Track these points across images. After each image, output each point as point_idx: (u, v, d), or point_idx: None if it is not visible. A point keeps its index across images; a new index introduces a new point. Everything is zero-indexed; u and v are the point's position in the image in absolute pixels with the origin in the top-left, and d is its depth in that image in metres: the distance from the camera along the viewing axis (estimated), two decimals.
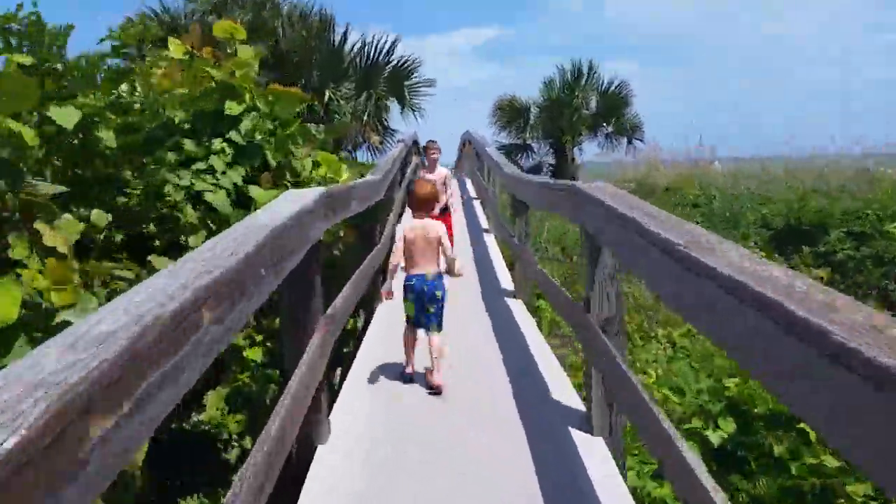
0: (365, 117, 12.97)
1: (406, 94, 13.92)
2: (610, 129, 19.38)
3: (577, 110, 18.72)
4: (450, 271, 3.78)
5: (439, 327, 3.53)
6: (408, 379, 3.54)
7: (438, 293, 3.52)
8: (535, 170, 19.07)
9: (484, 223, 10.30)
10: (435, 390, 3.39)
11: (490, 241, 8.80)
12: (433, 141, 7.69)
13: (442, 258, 3.62)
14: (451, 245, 4.07)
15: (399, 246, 3.58)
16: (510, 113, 19.45)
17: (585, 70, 18.85)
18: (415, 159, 13.63)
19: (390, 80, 13.87)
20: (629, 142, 19.79)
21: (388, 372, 3.69)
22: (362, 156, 14.88)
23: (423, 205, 3.68)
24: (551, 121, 18.95)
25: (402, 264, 3.60)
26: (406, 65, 14.04)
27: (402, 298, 3.58)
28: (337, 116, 12.26)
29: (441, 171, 7.28)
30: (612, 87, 18.96)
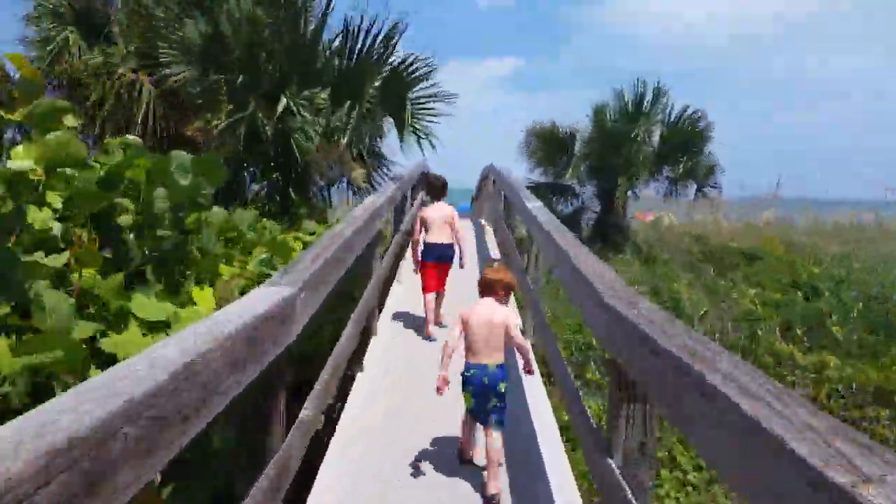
0: (344, 139, 8.66)
1: (408, 110, 9.17)
2: (677, 170, 14.87)
3: (636, 145, 14.25)
4: (525, 363, 3.33)
5: (501, 424, 3.22)
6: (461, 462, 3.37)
7: (502, 386, 3.21)
8: (574, 220, 14.63)
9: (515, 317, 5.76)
10: (491, 500, 3.07)
11: (535, 386, 4.61)
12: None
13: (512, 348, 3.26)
14: None
15: (456, 330, 3.29)
16: (548, 144, 15.00)
17: (650, 94, 14.43)
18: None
19: (386, 88, 9.26)
20: (699, 189, 15.27)
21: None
22: (340, 197, 10.52)
23: (492, 288, 3.37)
24: (601, 157, 14.51)
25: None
26: (411, 67, 9.28)
27: (462, 389, 3.27)
28: (298, 137, 7.98)
29: (445, 207, 5.96)
30: (685, 118, 14.49)
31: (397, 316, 6.33)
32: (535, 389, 4.48)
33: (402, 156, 10.69)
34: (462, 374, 3.27)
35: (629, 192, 14.49)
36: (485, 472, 3.19)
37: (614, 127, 14.35)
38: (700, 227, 18.21)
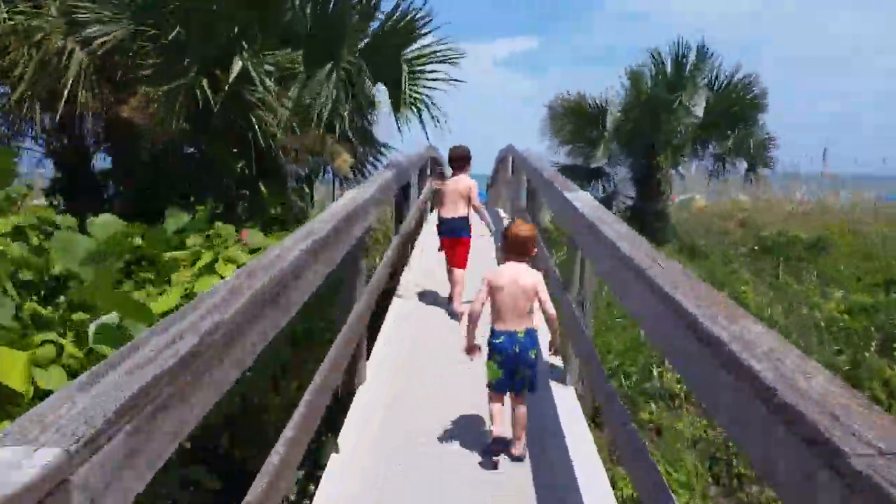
0: (326, 115, 6.62)
1: (404, 75, 6.81)
2: (725, 145, 12.70)
3: (679, 115, 12.10)
4: (552, 338, 3.28)
5: (532, 389, 3.15)
6: (494, 445, 3.07)
7: (532, 353, 3.09)
8: (605, 207, 12.55)
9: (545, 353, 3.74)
10: (517, 458, 3.09)
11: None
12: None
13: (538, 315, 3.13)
14: None
15: (482, 293, 3.11)
16: (575, 120, 12.85)
17: (693, 56, 12.21)
18: (429, 186, 9.68)
19: (376, 48, 6.97)
20: (751, 168, 13.10)
21: None
22: (324, 192, 8.53)
23: (520, 248, 3.18)
24: (637, 132, 12.37)
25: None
26: (404, 20, 6.89)
27: (486, 360, 3.14)
28: (261, 113, 5.98)
29: (462, 180, 5.50)
30: (735, 83, 12.29)
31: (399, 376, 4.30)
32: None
33: (399, 140, 8.64)
34: (489, 342, 3.12)
35: (672, 172, 12.33)
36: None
37: (653, 95, 12.18)
38: (739, 210, 16.06)
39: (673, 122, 12.10)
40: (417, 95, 6.87)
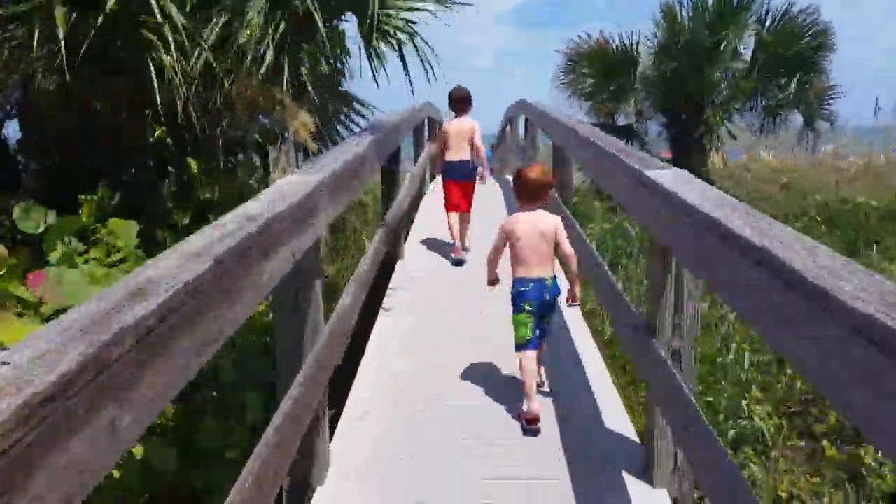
0: (271, 53, 4.58)
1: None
2: (778, 95, 10.58)
3: (723, 60, 9.99)
4: (570, 288, 3.16)
5: (547, 336, 3.19)
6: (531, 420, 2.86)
7: (557, 300, 3.07)
8: None
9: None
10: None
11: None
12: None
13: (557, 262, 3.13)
14: None
15: (500, 241, 3.06)
16: (599, 68, 10.71)
17: None
18: (427, 149, 8.33)
19: None
20: (808, 122, 11.00)
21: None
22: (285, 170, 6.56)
23: (536, 193, 3.02)
24: (674, 82, 10.26)
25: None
26: None
27: (514, 313, 2.99)
28: (160, 55, 3.96)
29: (465, 122, 5.45)
30: (790, 19, 10.12)
31: None
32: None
33: (382, 96, 6.55)
34: (515, 292, 2.99)
35: (720, 127, 10.23)
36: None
37: (692, 36, 10.04)
38: (781, 171, 14.00)
39: (717, 68, 9.99)
40: (397, 23, 4.75)
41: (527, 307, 2.95)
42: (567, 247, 3.03)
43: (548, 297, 2.97)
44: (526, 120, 8.94)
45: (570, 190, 6.26)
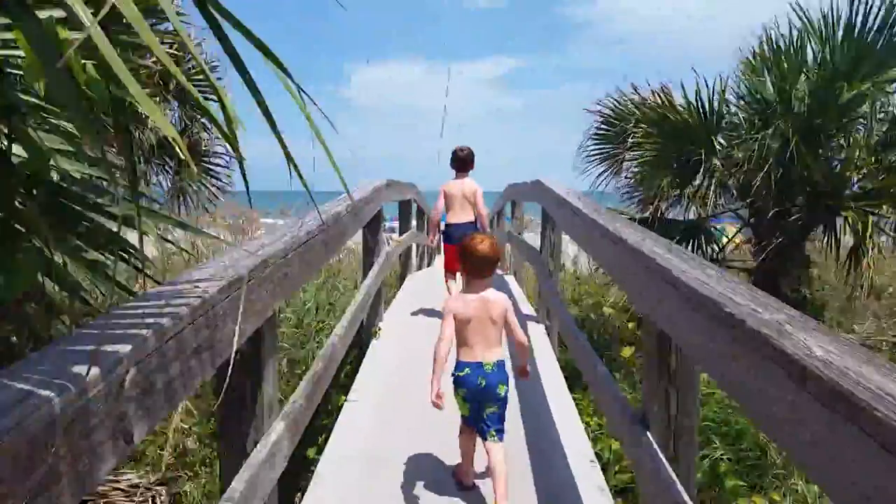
0: None
1: None
2: None
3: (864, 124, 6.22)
4: (521, 366, 2.90)
5: (500, 435, 2.73)
6: (464, 489, 2.83)
7: (502, 389, 2.74)
8: None
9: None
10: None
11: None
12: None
13: (506, 342, 2.87)
14: None
15: (448, 328, 2.75)
16: (662, 131, 6.92)
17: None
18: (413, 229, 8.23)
19: None
20: None
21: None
22: None
23: (485, 269, 2.80)
24: (780, 158, 6.42)
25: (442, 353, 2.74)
26: None
27: (454, 393, 2.79)
28: None
29: (468, 183, 5.57)
30: None
31: None
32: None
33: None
34: (453, 375, 2.80)
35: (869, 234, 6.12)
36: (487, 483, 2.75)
37: (825, 72, 6.21)
38: None
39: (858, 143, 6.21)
40: None
41: (460, 392, 2.76)
42: (519, 333, 2.82)
43: (484, 384, 2.71)
44: (544, 212, 5.62)
45: None
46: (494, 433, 2.70)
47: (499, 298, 2.81)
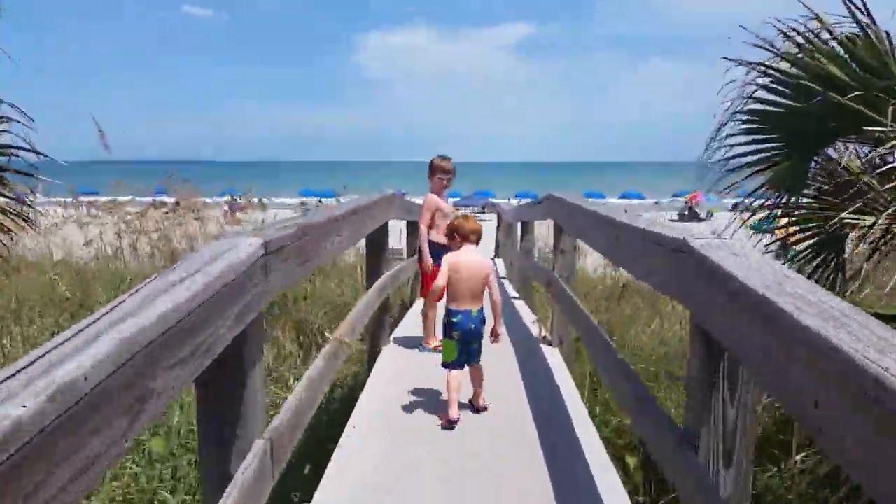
0: None
1: None
2: None
3: None
4: (494, 324, 3.63)
5: (478, 356, 3.61)
6: (449, 427, 3.37)
7: (483, 328, 3.60)
8: None
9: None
10: (482, 409, 3.57)
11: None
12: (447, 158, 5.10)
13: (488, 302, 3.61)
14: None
15: (445, 274, 3.53)
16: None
17: None
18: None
19: None
20: None
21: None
22: None
23: (477, 237, 3.68)
24: None
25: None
26: None
27: (443, 337, 3.63)
28: None
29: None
30: None
31: None
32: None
33: None
34: (446, 321, 3.54)
35: None
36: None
37: None
38: None
39: None
40: None
41: (454, 335, 3.51)
42: (495, 292, 3.56)
43: (473, 328, 3.51)
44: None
45: None
46: (477, 357, 3.59)
47: (486, 262, 3.61)
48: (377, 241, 4.84)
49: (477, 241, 3.63)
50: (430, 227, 4.89)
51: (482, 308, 3.55)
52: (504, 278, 10.34)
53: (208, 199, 12.46)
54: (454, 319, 3.48)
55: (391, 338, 5.21)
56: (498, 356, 4.33)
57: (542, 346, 5.10)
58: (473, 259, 3.54)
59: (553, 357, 4.79)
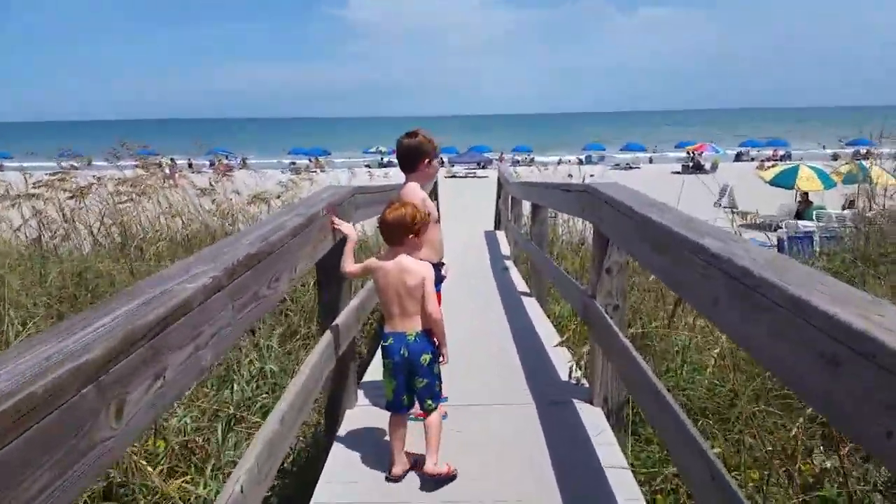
0: None
1: None
2: None
3: None
4: (437, 339, 2.75)
5: (435, 400, 2.75)
6: (392, 481, 2.74)
7: (426, 357, 2.70)
8: None
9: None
10: (436, 478, 2.68)
11: None
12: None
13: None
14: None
15: (352, 267, 2.86)
16: None
17: None
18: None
19: None
20: None
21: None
22: None
23: (396, 233, 2.70)
24: None
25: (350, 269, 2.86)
26: None
27: (382, 370, 2.81)
28: None
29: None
30: None
31: None
32: None
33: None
34: (381, 346, 2.82)
35: None
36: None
37: None
38: None
39: None
40: None
41: (386, 361, 2.75)
42: (430, 305, 2.67)
43: (407, 354, 2.67)
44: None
45: None
46: (429, 401, 2.73)
47: (417, 268, 2.70)
48: (328, 264, 3.22)
49: (393, 241, 2.73)
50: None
51: (423, 332, 2.70)
52: (507, 258, 8.82)
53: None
54: (384, 344, 2.74)
55: (358, 392, 3.68)
56: (503, 415, 3.44)
57: (574, 401, 3.54)
58: (396, 266, 2.68)
59: (598, 433, 3.15)
